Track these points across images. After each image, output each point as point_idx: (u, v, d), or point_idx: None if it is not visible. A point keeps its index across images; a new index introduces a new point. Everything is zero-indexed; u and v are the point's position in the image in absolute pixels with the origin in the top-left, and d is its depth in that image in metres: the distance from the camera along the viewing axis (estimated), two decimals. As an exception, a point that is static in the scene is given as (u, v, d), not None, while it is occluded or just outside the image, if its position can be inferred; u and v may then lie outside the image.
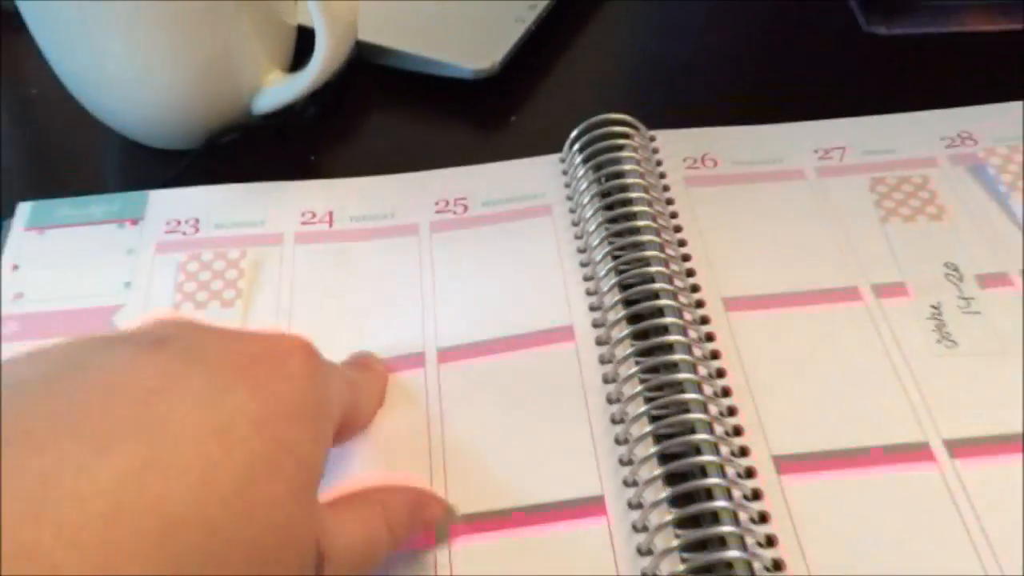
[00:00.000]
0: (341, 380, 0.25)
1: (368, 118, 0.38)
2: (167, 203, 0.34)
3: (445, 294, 0.31)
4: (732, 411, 0.27)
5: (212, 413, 0.19)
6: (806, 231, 0.32)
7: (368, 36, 0.37)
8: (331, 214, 0.34)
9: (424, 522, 0.25)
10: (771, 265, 0.31)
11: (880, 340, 0.29)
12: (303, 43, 0.34)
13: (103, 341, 0.20)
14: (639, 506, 0.25)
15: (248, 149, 0.36)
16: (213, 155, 0.35)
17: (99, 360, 0.19)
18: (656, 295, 0.29)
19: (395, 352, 0.29)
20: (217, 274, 0.31)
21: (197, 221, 0.33)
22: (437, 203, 0.34)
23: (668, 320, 0.28)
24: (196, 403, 0.19)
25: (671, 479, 0.25)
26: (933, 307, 0.29)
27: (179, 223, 0.33)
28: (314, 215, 0.34)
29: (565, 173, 0.34)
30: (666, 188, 0.33)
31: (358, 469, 0.26)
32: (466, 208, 0.34)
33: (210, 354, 0.20)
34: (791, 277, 0.30)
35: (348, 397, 0.25)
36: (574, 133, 0.34)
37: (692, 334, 0.28)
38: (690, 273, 0.31)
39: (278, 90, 0.34)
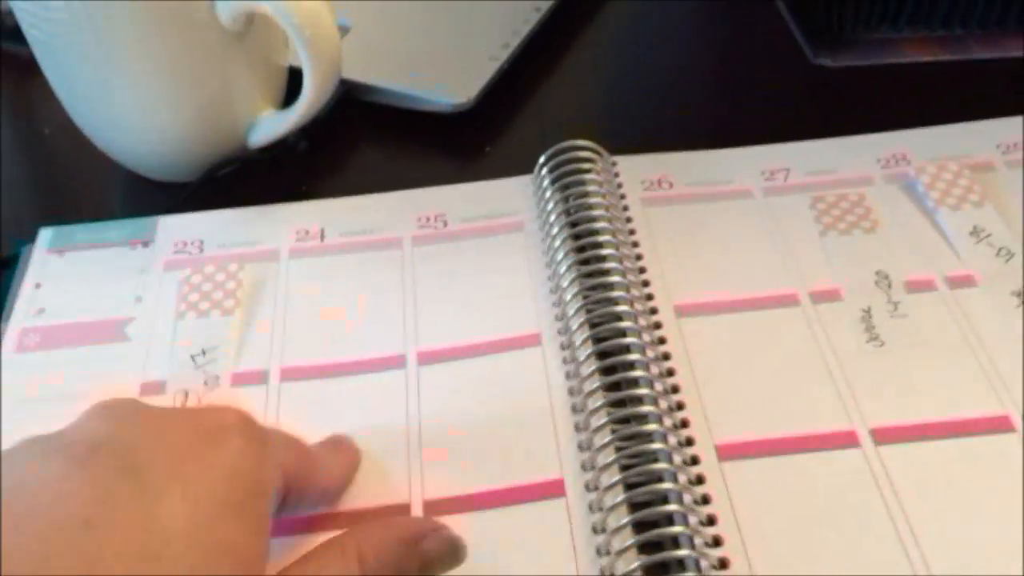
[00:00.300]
0: (284, 447, 0.25)
1: (355, 149, 0.41)
2: (174, 227, 0.37)
3: (425, 300, 0.34)
4: (680, 406, 0.30)
5: (145, 538, 0.19)
6: (751, 244, 0.35)
7: (353, 74, 0.41)
8: (322, 231, 0.37)
9: (420, 558, 0.24)
10: (717, 274, 0.34)
11: (815, 340, 0.32)
12: (294, 82, 0.37)
13: (42, 452, 0.21)
14: (595, 489, 0.28)
15: (245, 180, 0.39)
16: (213, 186, 0.39)
17: (35, 481, 0.20)
18: (615, 303, 0.32)
19: (378, 352, 0.32)
20: (217, 285, 0.35)
21: (202, 242, 0.37)
22: (419, 218, 0.37)
23: (625, 325, 0.32)
24: (128, 528, 0.19)
25: (626, 467, 0.28)
26: (863, 310, 0.32)
27: (185, 244, 0.37)
28: (307, 232, 0.37)
29: (536, 194, 0.38)
30: (625, 208, 0.37)
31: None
32: (446, 223, 0.37)
33: (142, 458, 0.21)
34: (736, 285, 0.34)
35: (295, 462, 0.25)
36: (543, 158, 0.38)
37: (646, 338, 0.31)
38: (645, 283, 0.34)
39: (271, 125, 0.37)
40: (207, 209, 0.38)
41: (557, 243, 0.35)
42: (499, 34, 0.43)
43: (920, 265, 0.34)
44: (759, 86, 0.43)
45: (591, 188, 0.36)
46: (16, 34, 0.36)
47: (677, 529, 0.27)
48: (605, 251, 0.34)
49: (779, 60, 0.44)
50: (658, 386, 0.30)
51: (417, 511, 0.28)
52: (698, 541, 0.26)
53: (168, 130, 0.37)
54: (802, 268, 0.34)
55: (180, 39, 0.34)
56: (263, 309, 0.34)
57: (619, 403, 0.30)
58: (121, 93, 0.35)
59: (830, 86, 0.43)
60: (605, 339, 0.31)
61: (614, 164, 0.38)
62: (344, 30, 0.44)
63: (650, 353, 0.31)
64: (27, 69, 0.39)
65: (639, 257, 0.35)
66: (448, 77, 0.41)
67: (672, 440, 0.29)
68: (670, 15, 0.48)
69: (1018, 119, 0.39)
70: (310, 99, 0.35)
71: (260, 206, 0.38)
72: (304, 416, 0.31)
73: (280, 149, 0.39)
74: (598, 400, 0.30)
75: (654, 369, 0.31)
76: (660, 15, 0.48)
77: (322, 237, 0.37)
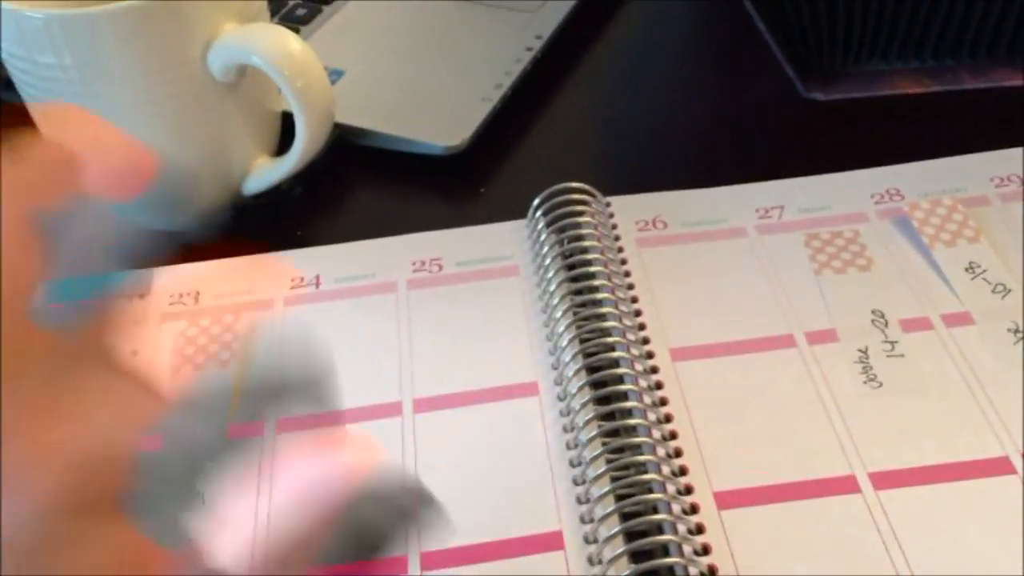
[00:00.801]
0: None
1: (350, 193, 0.42)
2: (172, 278, 0.37)
3: (421, 347, 0.34)
4: (678, 452, 0.30)
5: None
6: (746, 284, 0.35)
7: (347, 119, 0.41)
8: (318, 277, 0.37)
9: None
10: (714, 317, 0.34)
11: (812, 382, 0.32)
12: (289, 125, 0.37)
13: None
14: (595, 541, 0.28)
15: (241, 227, 0.39)
16: (208, 235, 0.39)
17: None
18: (612, 348, 0.32)
19: (374, 400, 0.32)
20: (214, 338, 0.35)
21: (198, 293, 0.37)
22: (414, 263, 0.37)
23: (622, 371, 0.32)
24: None
25: (625, 516, 0.28)
26: (860, 351, 0.32)
27: (181, 296, 0.37)
28: (302, 280, 0.37)
29: (530, 237, 0.38)
30: (620, 249, 0.37)
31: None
32: (441, 267, 0.37)
33: None
34: (731, 327, 0.34)
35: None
36: (537, 200, 0.38)
37: (643, 383, 0.31)
38: (641, 327, 0.34)
39: (266, 174, 0.38)
40: (203, 259, 0.38)
41: (552, 287, 0.35)
42: (491, 75, 0.43)
43: (916, 304, 0.34)
44: (751, 122, 0.44)
45: (586, 231, 0.36)
46: (13, 84, 0.37)
47: (677, 581, 0.27)
48: (600, 295, 0.34)
49: (770, 95, 0.45)
50: (656, 433, 0.30)
51: (414, 564, 0.28)
52: (699, 593, 0.26)
53: (164, 182, 0.37)
54: (798, 309, 0.34)
55: (173, 93, 0.34)
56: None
57: (617, 450, 0.30)
58: (115, 146, 0.35)
59: (822, 120, 0.43)
60: (602, 384, 0.31)
61: (608, 205, 0.39)
62: (337, 75, 0.44)
63: (647, 399, 0.31)
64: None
65: (635, 300, 0.35)
66: (441, 119, 0.41)
67: (671, 489, 0.29)
68: (661, 53, 0.49)
69: (1011, 152, 0.39)
70: (304, 148, 0.35)
71: (255, 255, 0.38)
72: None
73: (275, 195, 0.39)
74: (596, 450, 0.30)
75: (651, 416, 0.31)
76: (651, 53, 0.49)
77: (318, 284, 0.37)
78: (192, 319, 0.35)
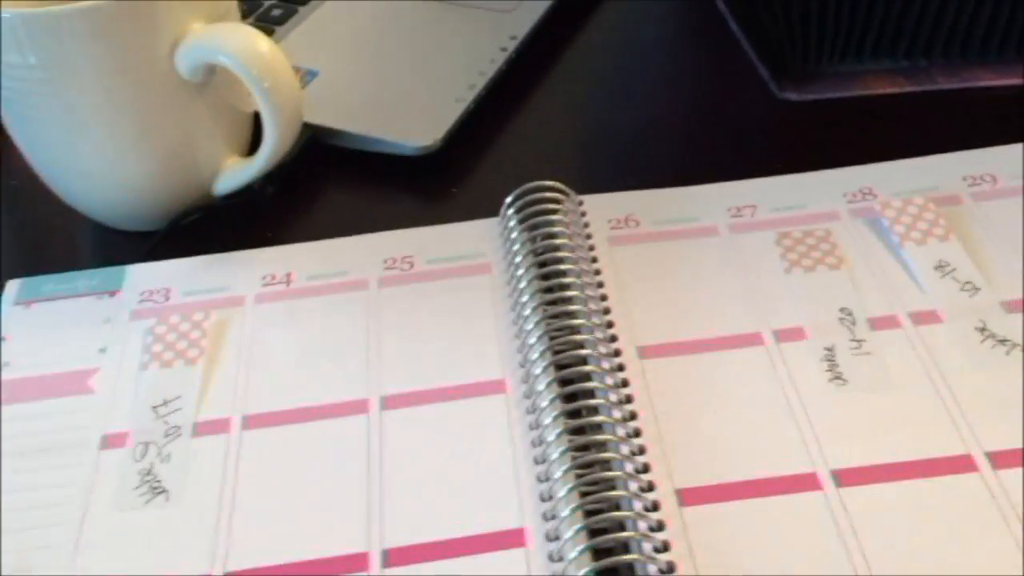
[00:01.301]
0: None
1: (321, 193, 0.42)
2: (142, 276, 0.37)
3: (390, 344, 0.34)
4: (642, 450, 0.30)
5: None
6: (716, 283, 0.35)
7: (320, 119, 0.41)
8: (289, 275, 0.37)
9: None
10: (683, 315, 0.34)
11: (778, 381, 0.32)
12: (260, 127, 0.37)
13: None
14: (556, 538, 0.28)
15: (212, 227, 0.39)
16: (180, 234, 0.39)
17: None
18: (580, 345, 0.32)
19: (343, 398, 0.32)
20: (183, 335, 0.35)
21: (168, 290, 0.37)
22: (386, 260, 0.37)
23: (588, 368, 0.32)
24: None
25: (588, 514, 0.28)
26: (827, 349, 0.32)
27: (152, 293, 0.37)
28: (274, 277, 0.37)
29: (502, 235, 0.38)
30: (592, 248, 0.37)
31: (304, 505, 0.29)
32: (412, 265, 0.37)
33: None
34: (700, 325, 0.34)
35: None
36: (509, 199, 0.38)
37: (609, 380, 0.31)
38: (610, 324, 0.34)
39: (236, 174, 0.38)
40: (174, 257, 0.38)
41: (523, 284, 0.35)
42: (465, 76, 0.43)
43: (884, 302, 0.34)
44: (725, 122, 0.44)
45: (557, 228, 0.36)
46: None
47: (638, 578, 0.27)
48: (570, 293, 0.34)
49: (744, 95, 0.45)
50: (620, 431, 0.30)
51: (376, 560, 0.28)
52: (659, 590, 0.26)
53: (133, 182, 0.37)
54: (767, 307, 0.34)
55: (142, 93, 0.34)
56: (228, 357, 0.34)
57: (582, 447, 0.30)
58: (84, 147, 0.35)
59: (796, 120, 0.43)
60: (568, 382, 0.31)
61: (580, 204, 0.39)
62: (312, 75, 0.44)
63: (613, 397, 0.31)
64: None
65: (604, 298, 0.35)
66: (414, 120, 0.41)
67: (633, 486, 0.29)
68: (635, 53, 0.49)
69: (983, 151, 0.39)
70: (272, 148, 0.35)
71: (226, 253, 0.38)
72: (267, 464, 0.31)
73: (246, 195, 0.39)
74: (560, 447, 0.29)
75: (616, 413, 0.30)
76: (625, 54, 0.49)
77: (288, 282, 0.37)
78: (161, 316, 0.35)
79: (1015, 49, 0.44)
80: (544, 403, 0.31)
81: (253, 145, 0.39)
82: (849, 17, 0.43)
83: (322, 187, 0.42)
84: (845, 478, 0.29)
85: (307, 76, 0.44)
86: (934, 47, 0.44)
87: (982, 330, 0.32)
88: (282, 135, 0.35)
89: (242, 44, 0.33)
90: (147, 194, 0.37)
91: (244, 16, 0.41)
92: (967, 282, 0.34)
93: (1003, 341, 0.32)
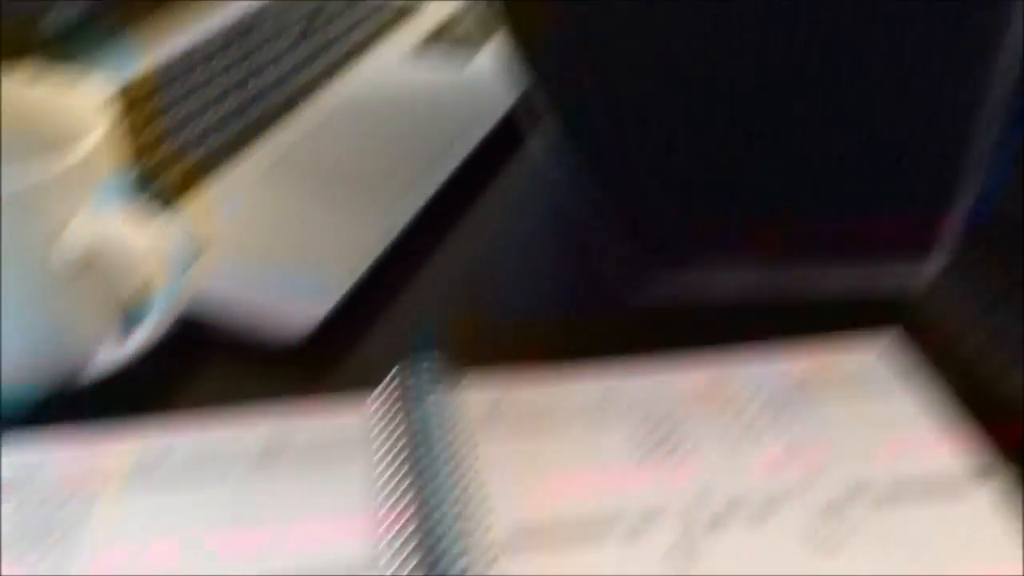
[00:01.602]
0: None
1: (195, 370, 0.42)
2: (7, 455, 0.36)
3: (258, 530, 0.34)
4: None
5: None
6: (582, 468, 0.36)
7: (194, 304, 0.42)
8: (158, 455, 0.37)
9: None
10: (549, 502, 0.35)
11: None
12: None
13: None
14: None
15: (81, 404, 0.39)
16: (47, 416, 0.38)
17: None
18: (443, 536, 0.33)
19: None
20: (39, 521, 0.34)
21: (28, 475, 0.36)
22: (259, 439, 0.37)
23: (450, 560, 0.32)
24: None
25: None
26: (681, 532, 0.34)
27: (10, 478, 0.36)
28: (138, 464, 0.36)
29: (376, 414, 0.38)
30: (464, 429, 0.38)
31: None
32: (286, 445, 0.37)
33: None
34: (565, 513, 0.35)
35: None
36: (383, 383, 0.39)
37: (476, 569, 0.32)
38: (478, 512, 0.35)
39: (110, 355, 0.38)
40: (39, 438, 0.37)
41: (391, 470, 0.35)
42: (348, 256, 0.45)
43: (736, 486, 0.36)
44: (596, 307, 0.46)
45: (431, 410, 0.37)
46: None
47: None
48: (438, 480, 0.35)
49: (613, 282, 0.47)
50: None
51: None
52: None
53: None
54: (625, 495, 0.35)
55: (17, 277, 0.34)
56: (82, 548, 0.33)
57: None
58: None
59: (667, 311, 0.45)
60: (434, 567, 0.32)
61: (457, 382, 0.40)
62: (194, 253, 0.45)
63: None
64: None
65: (473, 482, 0.36)
66: (290, 304, 0.43)
67: None
68: (519, 236, 0.52)
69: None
70: (145, 336, 0.36)
71: (89, 434, 0.37)
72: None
73: (119, 379, 0.39)
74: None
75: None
76: (510, 235, 0.52)
77: (154, 468, 0.36)
78: (16, 502, 0.34)
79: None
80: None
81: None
82: (717, 213, 0.45)
83: (196, 362, 0.42)
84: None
85: (191, 253, 0.45)
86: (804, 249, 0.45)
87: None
88: (157, 324, 0.35)
89: (117, 238, 0.34)
90: (12, 379, 0.37)
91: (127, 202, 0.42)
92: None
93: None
